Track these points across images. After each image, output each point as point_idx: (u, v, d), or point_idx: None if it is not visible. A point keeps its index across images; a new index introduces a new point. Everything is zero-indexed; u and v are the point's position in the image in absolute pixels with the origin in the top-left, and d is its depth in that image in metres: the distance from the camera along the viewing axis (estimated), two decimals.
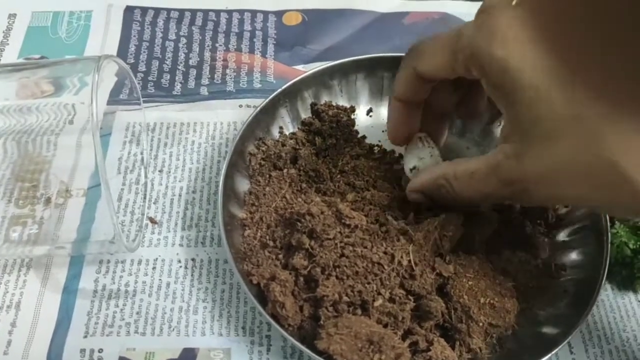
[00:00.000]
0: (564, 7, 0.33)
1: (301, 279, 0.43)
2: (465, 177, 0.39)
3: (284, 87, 0.52)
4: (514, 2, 0.34)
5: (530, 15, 0.33)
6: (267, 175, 0.49)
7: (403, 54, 0.55)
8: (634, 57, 0.30)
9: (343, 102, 0.55)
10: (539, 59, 0.33)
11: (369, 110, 0.56)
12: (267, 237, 0.46)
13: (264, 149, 0.51)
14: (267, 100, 0.51)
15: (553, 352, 0.40)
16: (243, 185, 0.49)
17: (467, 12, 0.66)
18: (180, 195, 0.51)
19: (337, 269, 0.42)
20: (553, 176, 0.34)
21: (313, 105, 0.54)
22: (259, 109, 0.50)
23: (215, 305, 0.45)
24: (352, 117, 0.54)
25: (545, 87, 0.32)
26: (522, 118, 0.34)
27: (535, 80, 0.32)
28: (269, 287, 0.42)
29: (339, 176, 0.50)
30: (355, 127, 0.54)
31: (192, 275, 0.46)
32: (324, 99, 0.54)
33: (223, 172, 0.46)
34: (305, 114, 0.54)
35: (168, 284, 0.46)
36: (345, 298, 0.41)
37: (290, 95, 0.53)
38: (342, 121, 0.53)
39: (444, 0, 0.67)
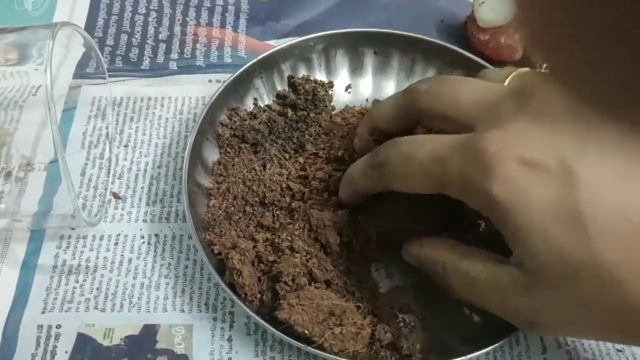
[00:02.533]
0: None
1: (262, 249, 0.42)
2: (465, 279, 0.35)
3: (259, 58, 0.51)
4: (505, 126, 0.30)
5: (531, 146, 0.29)
6: (237, 147, 0.48)
7: (387, 30, 0.54)
8: None
9: (321, 77, 0.54)
10: (546, 197, 0.28)
11: (348, 87, 0.54)
12: (233, 208, 0.45)
13: (235, 119, 0.50)
14: (241, 70, 0.50)
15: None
16: (212, 154, 0.48)
17: None
18: (145, 171, 0.49)
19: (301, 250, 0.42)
20: (564, 319, 0.31)
21: (290, 78, 0.53)
22: (232, 78, 0.49)
23: (178, 281, 0.44)
24: (330, 92, 0.53)
25: (555, 230, 0.28)
26: (531, 259, 0.30)
27: (543, 224, 0.28)
28: (228, 255, 0.41)
29: (309, 146, 0.49)
30: (333, 103, 0.53)
31: (155, 251, 0.45)
32: (302, 72, 0.53)
33: (191, 138, 0.45)
34: (281, 87, 0.53)
35: (130, 260, 0.45)
36: (302, 272, 0.41)
37: (267, 66, 0.52)
38: (318, 95, 0.52)
39: None
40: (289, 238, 0.43)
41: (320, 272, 0.42)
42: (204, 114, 0.47)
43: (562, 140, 0.29)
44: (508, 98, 0.32)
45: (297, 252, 0.42)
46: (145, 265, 0.45)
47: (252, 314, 0.39)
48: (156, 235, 0.46)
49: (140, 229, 0.46)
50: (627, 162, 0.28)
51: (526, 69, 0.38)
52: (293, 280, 0.41)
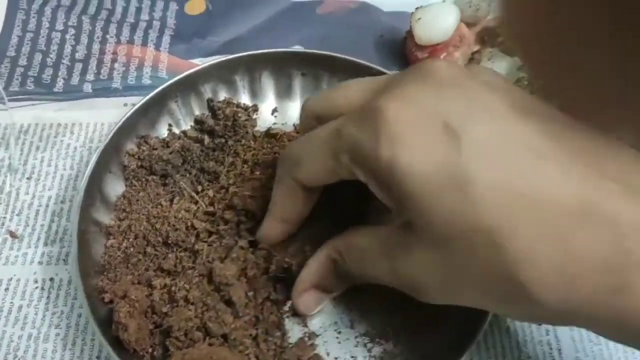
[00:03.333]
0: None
1: (157, 298, 0.39)
2: (357, 253, 0.35)
3: (175, 80, 0.47)
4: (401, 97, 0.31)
5: (418, 110, 0.30)
6: (144, 179, 0.45)
7: (315, 51, 0.51)
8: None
9: (245, 100, 0.50)
10: (430, 159, 0.28)
11: (274, 110, 0.51)
12: (133, 249, 0.42)
13: (144, 148, 0.46)
14: (153, 93, 0.46)
15: None
16: (117, 188, 0.45)
17: (389, 1, 0.61)
18: (47, 206, 0.46)
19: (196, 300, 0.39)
20: (446, 280, 0.31)
21: (209, 101, 0.49)
22: (142, 102, 0.46)
23: (69, 332, 0.41)
24: (254, 117, 0.50)
25: (439, 192, 0.28)
26: (415, 221, 0.30)
27: (427, 185, 0.29)
28: (115, 307, 0.38)
29: (222, 178, 0.45)
30: (257, 128, 0.49)
31: (48, 297, 0.42)
32: (224, 95, 0.50)
33: (88, 171, 0.42)
34: (200, 111, 0.49)
35: (20, 308, 0.42)
36: (196, 326, 0.38)
37: (183, 89, 0.48)
38: (239, 121, 0.48)
39: None
40: (186, 286, 0.39)
41: (217, 325, 0.38)
42: (106, 142, 0.44)
43: (448, 105, 0.29)
44: (399, 75, 0.33)
45: (191, 304, 0.39)
46: (35, 314, 0.41)
47: None
48: (51, 279, 0.43)
49: (35, 273, 0.43)
50: (513, 129, 0.28)
51: None
52: (186, 334, 0.38)
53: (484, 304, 0.31)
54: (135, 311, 0.38)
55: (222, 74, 0.49)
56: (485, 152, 0.28)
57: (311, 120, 0.37)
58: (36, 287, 0.43)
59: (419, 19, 0.53)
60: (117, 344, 0.37)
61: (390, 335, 0.40)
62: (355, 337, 0.40)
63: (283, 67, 0.50)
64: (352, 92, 0.35)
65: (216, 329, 0.38)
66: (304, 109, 0.39)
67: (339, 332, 0.41)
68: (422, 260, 0.31)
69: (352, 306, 0.41)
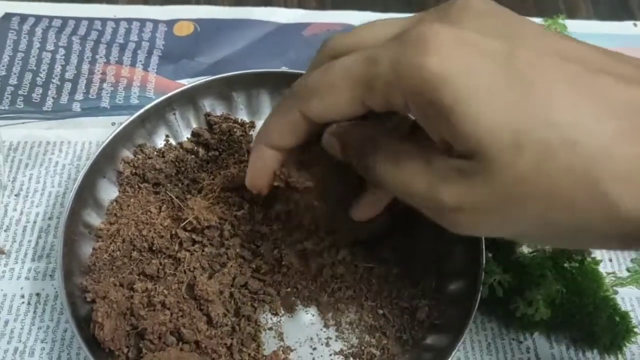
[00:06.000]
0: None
1: (137, 301, 0.39)
2: (392, 160, 0.32)
3: (175, 92, 0.48)
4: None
5: (464, 32, 0.30)
6: (137, 186, 0.46)
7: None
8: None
9: (243, 117, 0.51)
10: (485, 68, 0.28)
11: None
12: (119, 252, 0.43)
13: (140, 156, 0.47)
14: (151, 104, 0.47)
15: None
16: (109, 193, 0.46)
17: None
18: (35, 222, 0.47)
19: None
20: (514, 197, 0.28)
21: (207, 115, 0.50)
22: (140, 112, 0.47)
23: (55, 346, 0.41)
24: (250, 133, 0.51)
25: (500, 94, 0.27)
26: (470, 133, 0.28)
27: (487, 82, 0.27)
28: (94, 306, 0.38)
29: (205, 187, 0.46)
30: (252, 144, 0.50)
31: (34, 312, 0.43)
32: (222, 110, 0.51)
33: (83, 171, 0.43)
34: (197, 124, 0.50)
35: (6, 322, 0.42)
36: (170, 330, 0.38)
37: (182, 102, 0.49)
38: (234, 136, 0.49)
39: (349, 10, 0.64)
40: (165, 292, 0.40)
41: (190, 332, 0.39)
42: (101, 149, 0.45)
43: (491, 28, 0.30)
44: (428, 11, 0.33)
45: (168, 309, 0.39)
46: (22, 328, 0.42)
47: None
48: (37, 294, 0.44)
49: (22, 288, 0.44)
50: (557, 46, 0.29)
51: None
52: (159, 338, 0.38)
53: (552, 218, 0.28)
54: (113, 312, 0.38)
55: (221, 90, 0.50)
56: (543, 56, 0.28)
57: (327, 58, 0.35)
58: (22, 302, 0.43)
59: None
60: (95, 344, 0.38)
61: (365, 356, 0.41)
62: (330, 354, 0.41)
63: (281, 87, 0.51)
64: (378, 29, 0.34)
65: (189, 335, 0.39)
66: (322, 46, 0.36)
67: (314, 349, 0.42)
68: (472, 186, 0.29)
69: (329, 324, 0.42)
